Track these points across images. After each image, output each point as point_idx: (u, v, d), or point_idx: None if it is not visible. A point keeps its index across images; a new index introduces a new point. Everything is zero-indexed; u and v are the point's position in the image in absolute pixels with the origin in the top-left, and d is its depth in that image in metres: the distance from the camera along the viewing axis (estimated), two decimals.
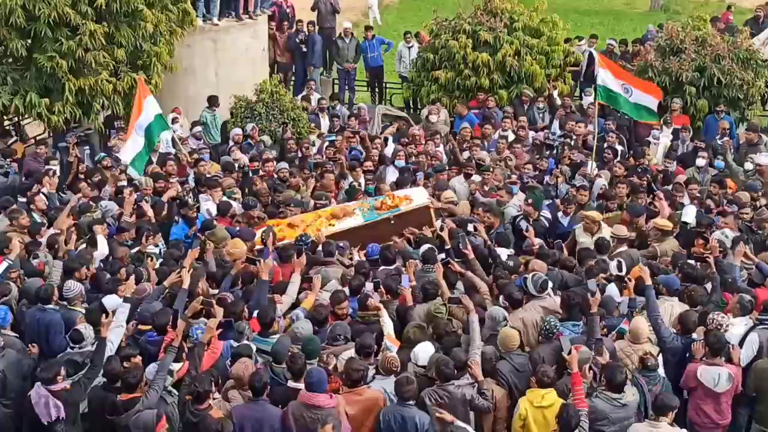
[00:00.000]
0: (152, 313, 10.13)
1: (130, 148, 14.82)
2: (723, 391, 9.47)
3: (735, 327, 10.17)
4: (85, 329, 9.84)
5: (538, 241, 12.68)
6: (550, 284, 10.80)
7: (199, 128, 17.73)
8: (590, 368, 9.38)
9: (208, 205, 14.06)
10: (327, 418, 8.44)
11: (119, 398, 8.74)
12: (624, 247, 12.59)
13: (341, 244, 12.30)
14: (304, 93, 20.26)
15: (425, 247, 11.92)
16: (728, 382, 9.44)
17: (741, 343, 10.01)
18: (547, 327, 9.85)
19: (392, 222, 13.11)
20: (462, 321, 10.12)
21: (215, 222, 12.96)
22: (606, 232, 12.82)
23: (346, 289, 10.81)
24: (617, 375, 8.89)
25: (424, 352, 9.35)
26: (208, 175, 15.11)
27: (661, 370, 9.62)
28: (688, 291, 10.78)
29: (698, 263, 11.66)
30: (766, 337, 10.07)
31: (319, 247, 12.24)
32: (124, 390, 8.78)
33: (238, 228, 13.08)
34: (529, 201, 13.64)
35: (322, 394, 8.62)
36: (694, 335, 9.99)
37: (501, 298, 10.71)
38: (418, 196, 13.66)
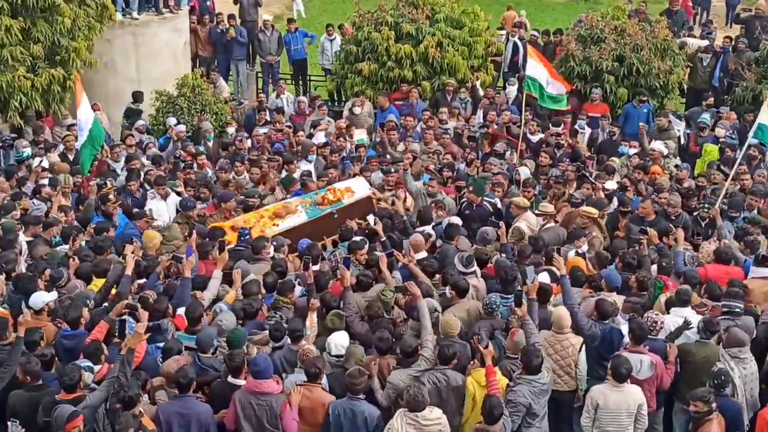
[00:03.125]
0: (65, 307, 9.99)
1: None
2: (645, 378, 9.59)
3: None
4: None
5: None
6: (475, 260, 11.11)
7: (142, 122, 17.50)
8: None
9: (153, 204, 13.82)
10: (275, 404, 8.53)
11: (58, 397, 8.52)
12: (551, 224, 12.82)
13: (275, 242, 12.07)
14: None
15: (357, 238, 11.90)
16: (650, 369, 9.60)
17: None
18: (488, 303, 10.14)
19: (336, 216, 12.97)
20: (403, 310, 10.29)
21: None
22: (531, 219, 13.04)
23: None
24: (533, 358, 9.05)
25: (340, 341, 9.41)
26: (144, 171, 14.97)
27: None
28: (639, 277, 10.90)
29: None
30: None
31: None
32: (64, 390, 8.58)
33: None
34: (471, 188, 13.79)
35: (268, 380, 8.64)
36: (622, 325, 10.17)
37: (448, 288, 10.76)
38: (359, 188, 13.54)
